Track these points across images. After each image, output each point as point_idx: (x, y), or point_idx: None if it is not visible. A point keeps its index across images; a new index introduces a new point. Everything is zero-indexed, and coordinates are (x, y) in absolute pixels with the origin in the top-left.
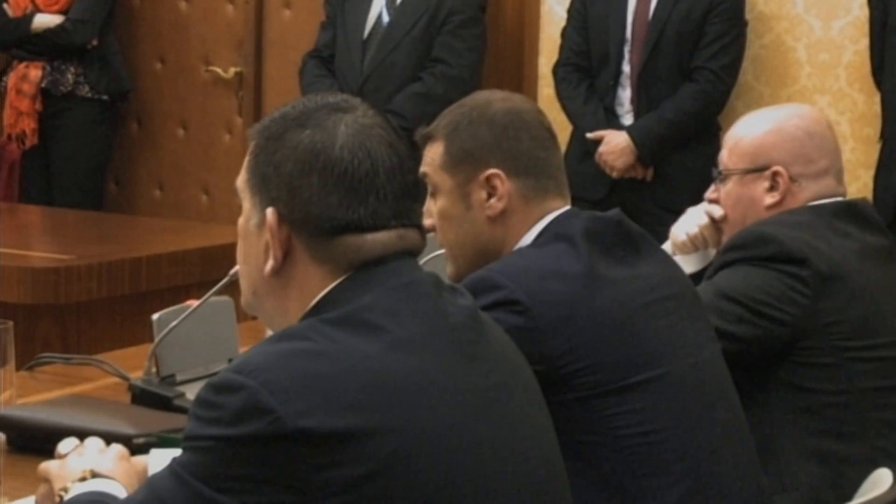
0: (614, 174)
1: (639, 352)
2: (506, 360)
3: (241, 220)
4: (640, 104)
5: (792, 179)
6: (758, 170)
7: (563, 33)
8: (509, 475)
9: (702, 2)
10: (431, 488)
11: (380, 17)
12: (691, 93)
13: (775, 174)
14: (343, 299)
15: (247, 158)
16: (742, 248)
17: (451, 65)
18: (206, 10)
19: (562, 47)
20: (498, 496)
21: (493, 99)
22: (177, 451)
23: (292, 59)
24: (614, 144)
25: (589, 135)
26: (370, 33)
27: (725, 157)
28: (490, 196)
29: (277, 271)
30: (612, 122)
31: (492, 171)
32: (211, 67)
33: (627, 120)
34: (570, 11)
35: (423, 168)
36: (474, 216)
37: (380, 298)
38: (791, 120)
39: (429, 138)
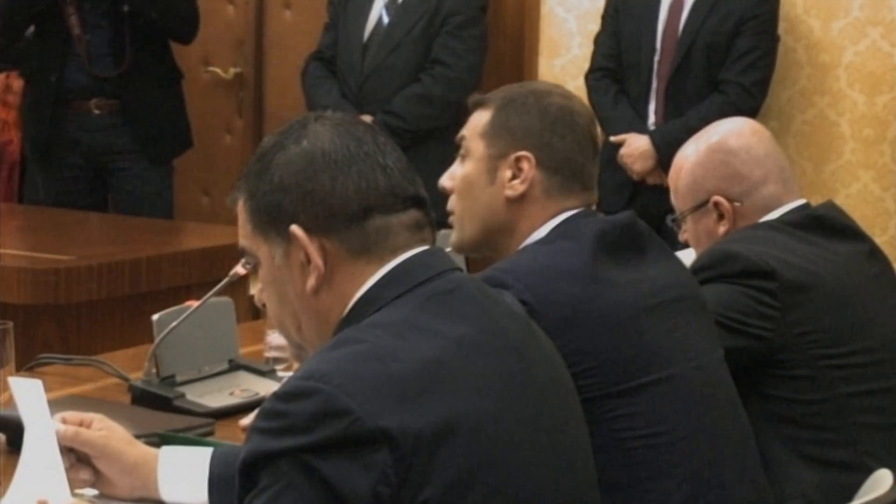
0: (635, 177)
1: (642, 354)
2: (552, 361)
3: (262, 272)
4: (668, 116)
5: (733, 201)
6: (701, 205)
7: (596, 40)
8: (555, 475)
9: (733, 15)
10: (492, 487)
11: (380, 18)
12: (719, 103)
13: (716, 204)
14: (381, 297)
15: (241, 216)
16: (710, 268)
17: (451, 66)
18: (206, 11)
19: (594, 54)
20: (544, 496)
21: (554, 92)
22: (185, 449)
23: (292, 60)
24: (634, 147)
25: (612, 138)
26: (370, 35)
27: (675, 202)
28: (514, 178)
29: (320, 285)
30: (639, 127)
31: (524, 153)
32: (211, 68)
33: None
34: (603, 18)
35: (463, 131)
36: (494, 192)
37: (422, 304)
38: (708, 145)
39: (479, 105)
